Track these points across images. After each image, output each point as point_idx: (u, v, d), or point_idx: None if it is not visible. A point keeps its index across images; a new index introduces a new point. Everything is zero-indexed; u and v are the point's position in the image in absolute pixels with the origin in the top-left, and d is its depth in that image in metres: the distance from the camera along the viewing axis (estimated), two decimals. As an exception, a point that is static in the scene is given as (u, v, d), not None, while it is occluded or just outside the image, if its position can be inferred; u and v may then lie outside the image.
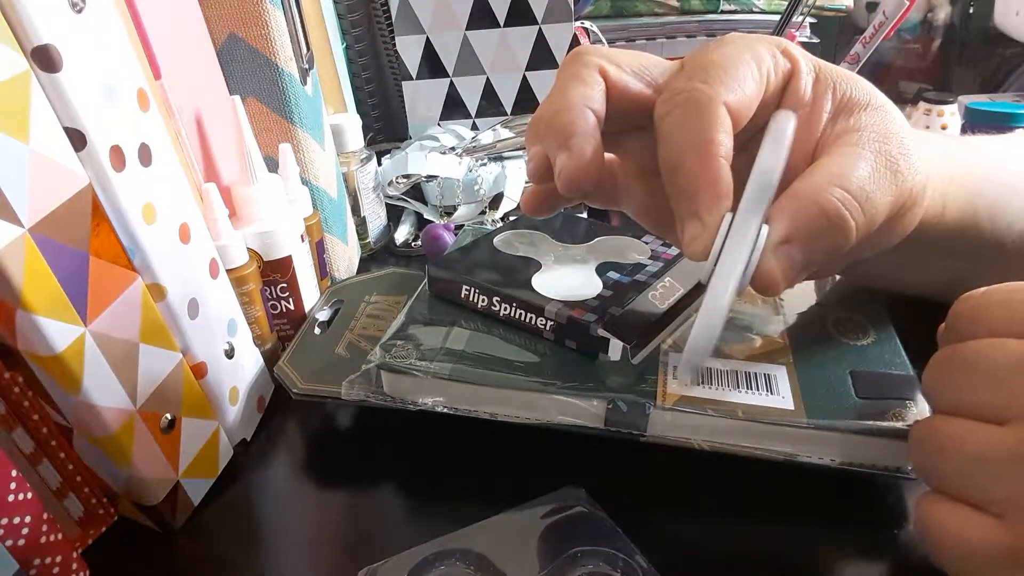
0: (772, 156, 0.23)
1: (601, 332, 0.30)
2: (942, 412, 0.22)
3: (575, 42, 0.62)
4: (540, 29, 0.61)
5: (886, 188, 0.23)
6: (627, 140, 0.28)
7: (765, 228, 0.22)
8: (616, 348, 0.30)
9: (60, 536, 0.24)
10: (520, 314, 0.32)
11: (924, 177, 0.25)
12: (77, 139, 0.24)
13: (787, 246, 0.22)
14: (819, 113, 0.25)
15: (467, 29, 0.61)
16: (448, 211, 0.55)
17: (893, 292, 0.37)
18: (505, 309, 0.33)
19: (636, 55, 0.26)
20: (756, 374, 0.29)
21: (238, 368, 0.33)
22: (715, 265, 0.22)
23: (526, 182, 0.55)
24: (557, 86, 0.25)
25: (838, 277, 0.37)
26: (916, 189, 0.25)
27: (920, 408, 0.26)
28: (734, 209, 0.22)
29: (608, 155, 0.28)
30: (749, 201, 0.22)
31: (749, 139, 0.25)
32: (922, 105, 0.60)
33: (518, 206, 0.53)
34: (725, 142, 0.22)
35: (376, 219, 0.53)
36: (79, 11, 0.24)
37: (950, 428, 0.21)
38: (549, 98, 0.25)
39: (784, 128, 0.23)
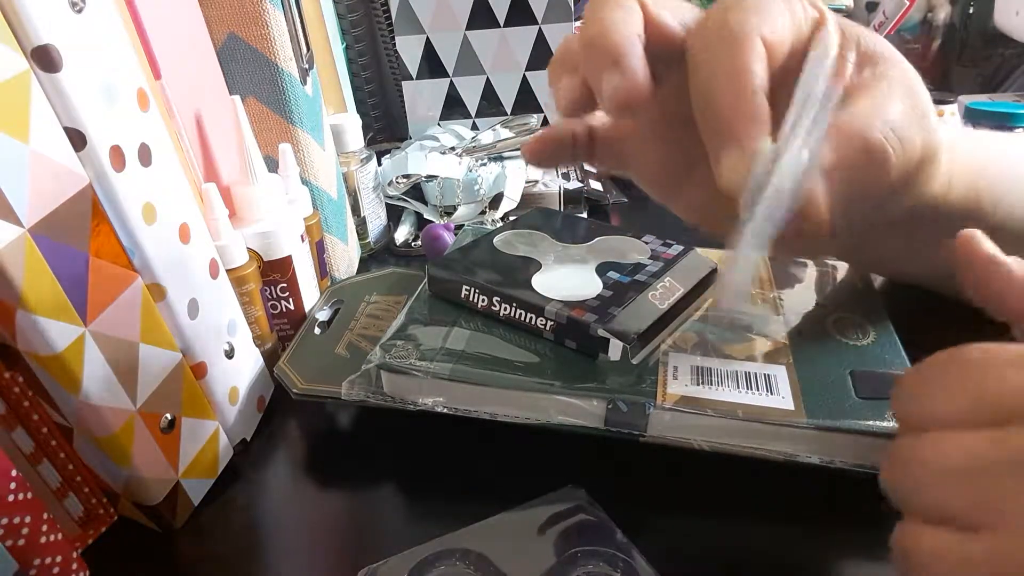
0: (815, 81, 0.22)
1: (601, 332, 0.30)
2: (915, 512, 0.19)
3: (575, 42, 0.62)
4: (540, 29, 0.61)
5: (917, 130, 0.24)
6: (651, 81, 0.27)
7: (806, 153, 0.21)
8: (616, 348, 0.30)
9: (60, 536, 0.24)
10: (520, 314, 0.32)
11: (943, 138, 0.26)
12: (77, 139, 0.24)
13: (832, 173, 0.22)
14: (844, 62, 0.25)
15: (467, 29, 0.61)
16: (448, 211, 0.55)
17: (897, 280, 0.37)
18: (505, 309, 0.33)
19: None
20: (756, 374, 0.29)
21: (238, 368, 0.33)
22: (755, 194, 0.21)
23: (526, 181, 0.55)
24: (595, 13, 0.24)
25: (839, 277, 0.38)
26: (936, 144, 0.25)
27: None
28: (773, 137, 0.21)
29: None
30: (790, 127, 0.21)
31: (779, 88, 0.25)
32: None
33: (518, 206, 0.53)
34: (761, 73, 0.22)
35: (376, 219, 0.53)
36: (79, 11, 0.24)
37: (922, 467, 0.18)
38: (585, 26, 0.24)
39: (826, 50, 0.23)
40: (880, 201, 0.26)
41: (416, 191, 0.57)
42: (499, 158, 0.56)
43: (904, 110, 0.24)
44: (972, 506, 0.17)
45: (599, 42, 0.23)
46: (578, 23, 0.63)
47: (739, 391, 0.28)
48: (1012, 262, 0.22)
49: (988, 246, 0.22)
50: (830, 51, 0.23)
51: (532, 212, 0.43)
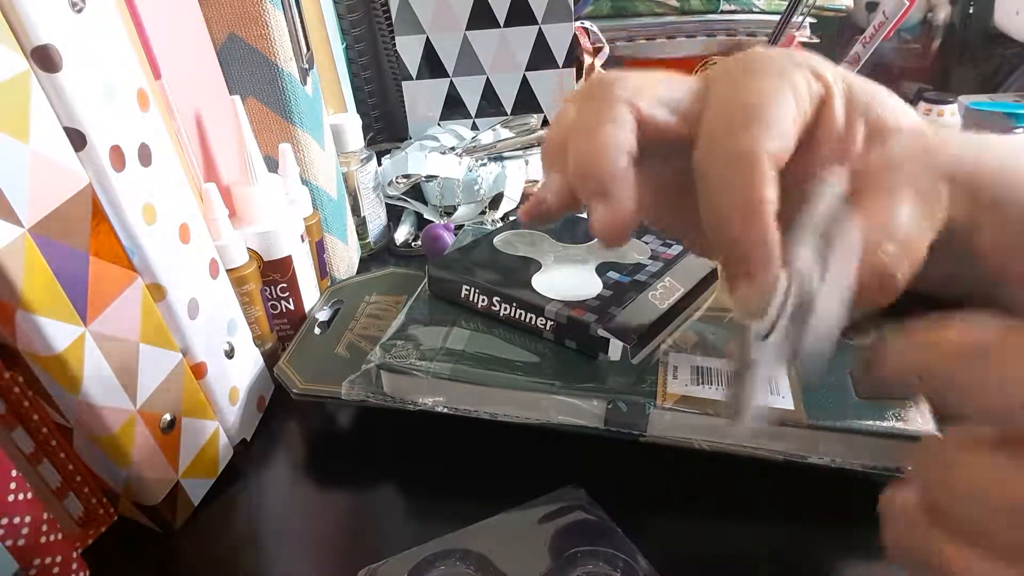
0: (821, 220, 0.22)
1: (601, 332, 0.30)
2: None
3: (575, 42, 0.62)
4: (540, 29, 0.61)
5: (927, 226, 0.22)
6: (648, 165, 0.26)
7: (833, 301, 0.21)
8: (616, 348, 0.30)
9: (60, 536, 0.24)
10: (520, 314, 0.32)
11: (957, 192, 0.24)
12: (77, 139, 0.24)
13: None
14: (852, 140, 0.24)
15: (467, 29, 0.61)
16: (448, 211, 0.55)
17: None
18: (505, 309, 0.33)
19: (662, 82, 0.24)
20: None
21: (238, 368, 0.33)
22: (771, 325, 0.21)
23: (526, 181, 0.55)
24: (586, 124, 0.23)
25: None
26: (946, 215, 0.23)
27: (919, 409, 0.26)
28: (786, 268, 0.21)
29: None
30: (813, 262, 0.21)
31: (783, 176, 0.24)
32: (922, 105, 0.60)
33: (518, 206, 0.53)
34: (773, 199, 0.21)
35: (376, 219, 0.53)
36: (79, 11, 0.24)
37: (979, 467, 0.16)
38: (577, 135, 0.23)
39: (831, 193, 0.22)
40: None
41: (416, 191, 0.57)
42: (499, 158, 0.56)
43: (911, 211, 0.22)
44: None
45: (587, 171, 0.22)
46: (578, 23, 0.63)
47: (739, 391, 0.28)
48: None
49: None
50: (835, 190, 0.22)
51: (532, 212, 0.43)
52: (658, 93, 0.24)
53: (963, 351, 0.17)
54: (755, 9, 0.67)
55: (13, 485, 0.23)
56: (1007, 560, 0.15)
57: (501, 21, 0.60)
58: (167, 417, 0.28)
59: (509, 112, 0.64)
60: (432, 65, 0.62)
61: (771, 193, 0.21)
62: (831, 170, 0.23)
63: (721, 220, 0.22)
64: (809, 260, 0.21)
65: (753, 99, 0.22)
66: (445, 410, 0.30)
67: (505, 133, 0.58)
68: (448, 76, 0.63)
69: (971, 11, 0.75)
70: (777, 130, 0.21)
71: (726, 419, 0.29)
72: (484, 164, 0.55)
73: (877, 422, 0.26)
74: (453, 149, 0.56)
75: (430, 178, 0.54)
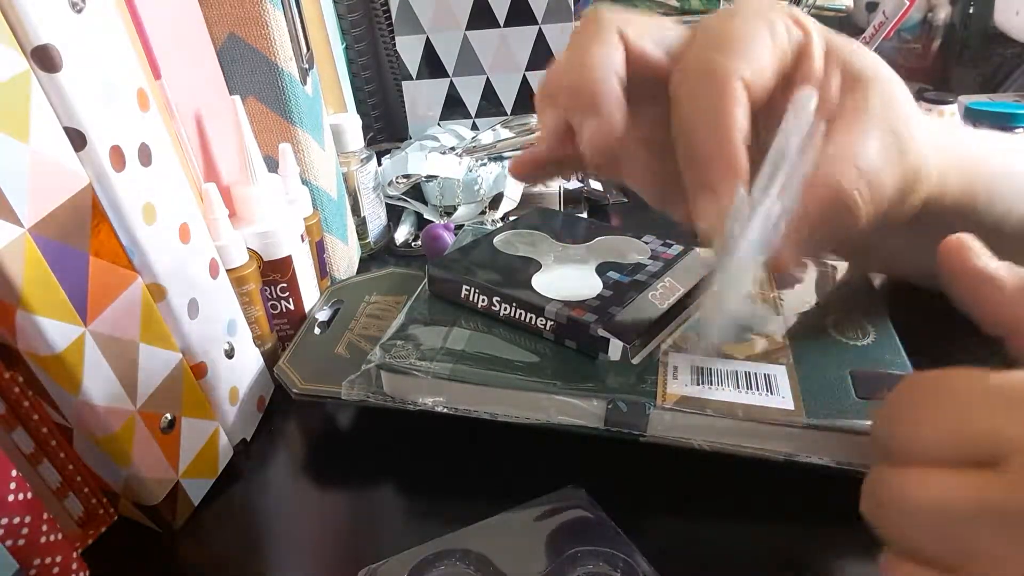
0: (791, 136, 0.23)
1: (601, 332, 0.30)
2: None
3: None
4: (540, 29, 0.61)
5: (894, 166, 0.24)
6: (638, 108, 0.26)
7: (778, 206, 0.22)
8: (616, 348, 0.30)
9: (60, 536, 0.24)
10: (520, 314, 0.32)
11: (928, 152, 0.25)
12: (77, 139, 0.24)
13: (800, 226, 0.22)
14: (829, 86, 0.25)
15: (467, 29, 0.61)
16: (448, 211, 0.55)
17: (898, 279, 0.37)
18: (505, 309, 0.33)
19: (653, 20, 0.25)
20: (756, 374, 0.29)
21: (238, 368, 0.33)
22: (728, 241, 0.22)
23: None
24: (577, 47, 0.24)
25: (839, 277, 0.37)
26: (921, 165, 0.25)
27: None
28: (749, 185, 0.22)
29: None
30: (766, 178, 0.22)
31: (761, 117, 0.25)
32: (922, 105, 0.60)
33: (518, 206, 0.53)
34: (741, 117, 0.22)
35: (376, 219, 0.53)
36: (79, 11, 0.24)
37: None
38: (568, 60, 0.24)
39: (805, 107, 0.23)
40: (868, 229, 0.25)
41: (416, 191, 0.57)
42: (499, 158, 0.56)
43: (880, 147, 0.23)
44: (948, 553, 0.16)
45: (579, 84, 0.23)
46: (577, 23, 0.63)
47: (739, 391, 0.28)
48: (1005, 273, 0.20)
49: (976, 256, 0.21)
50: (808, 107, 0.23)
51: (532, 212, 0.43)
52: (648, 28, 0.25)
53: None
54: (755, 9, 0.67)
55: (13, 485, 0.23)
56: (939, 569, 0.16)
57: (501, 21, 0.60)
58: (167, 417, 0.28)
59: (509, 112, 0.64)
60: (432, 65, 0.62)
61: (739, 111, 0.22)
62: (805, 89, 0.24)
63: (689, 131, 0.22)
64: (774, 181, 0.22)
65: (731, 32, 0.23)
66: (445, 410, 0.30)
67: (505, 133, 0.58)
68: (448, 76, 0.63)
69: (971, 11, 0.75)
70: (750, 58, 0.22)
71: (692, 346, 0.30)
72: (484, 164, 0.55)
73: (877, 422, 0.26)
74: (453, 149, 0.56)
75: (430, 178, 0.54)
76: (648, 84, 0.24)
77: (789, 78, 0.25)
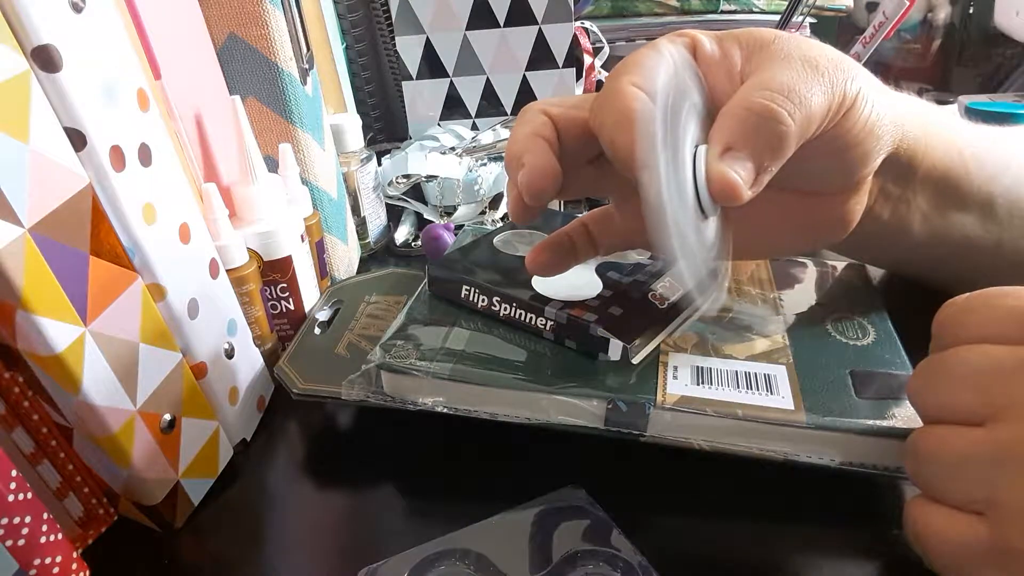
0: (668, 80, 0.24)
1: (601, 332, 0.30)
2: (928, 420, 0.23)
3: (575, 42, 0.62)
4: (540, 29, 0.61)
5: (811, 83, 0.25)
6: (599, 162, 0.30)
7: (703, 148, 0.24)
8: (616, 348, 0.30)
9: (60, 536, 0.24)
10: (520, 314, 0.32)
11: (866, 83, 0.26)
12: (77, 139, 0.24)
13: (731, 152, 0.23)
14: (732, 59, 0.27)
15: (467, 29, 0.61)
16: (448, 211, 0.55)
17: (898, 273, 0.37)
18: (505, 309, 0.33)
19: (570, 96, 0.30)
20: (756, 374, 0.29)
21: (238, 368, 0.33)
22: (664, 199, 0.23)
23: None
24: (512, 133, 0.29)
25: (839, 277, 0.37)
26: (846, 85, 0.26)
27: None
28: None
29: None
30: (664, 125, 0.23)
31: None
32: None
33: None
34: (641, 108, 0.24)
35: (376, 219, 0.53)
36: (79, 11, 0.24)
37: (934, 433, 0.22)
38: (508, 142, 0.29)
39: (673, 55, 0.26)
40: (817, 159, 0.27)
41: (416, 191, 0.56)
42: (499, 158, 0.56)
43: (792, 72, 0.25)
44: (969, 499, 0.20)
45: (509, 154, 0.28)
46: (578, 23, 0.63)
47: (739, 391, 0.28)
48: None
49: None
50: (673, 58, 0.26)
51: (532, 212, 0.43)
52: (567, 100, 0.30)
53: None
54: (755, 9, 0.67)
55: (13, 485, 0.22)
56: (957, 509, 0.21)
57: (501, 21, 0.60)
58: (167, 417, 0.28)
59: (509, 112, 0.64)
60: (432, 65, 0.62)
61: (639, 105, 0.24)
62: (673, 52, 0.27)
63: (609, 142, 0.25)
64: (678, 129, 0.24)
65: (623, 62, 0.27)
66: (445, 410, 0.30)
67: (505, 133, 0.58)
68: (448, 76, 0.63)
69: (971, 11, 0.75)
70: (641, 69, 0.25)
71: (700, 309, 0.33)
72: (484, 164, 0.55)
73: (877, 422, 0.26)
74: (453, 149, 0.56)
75: (430, 178, 0.54)
76: (588, 141, 0.27)
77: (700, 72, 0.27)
